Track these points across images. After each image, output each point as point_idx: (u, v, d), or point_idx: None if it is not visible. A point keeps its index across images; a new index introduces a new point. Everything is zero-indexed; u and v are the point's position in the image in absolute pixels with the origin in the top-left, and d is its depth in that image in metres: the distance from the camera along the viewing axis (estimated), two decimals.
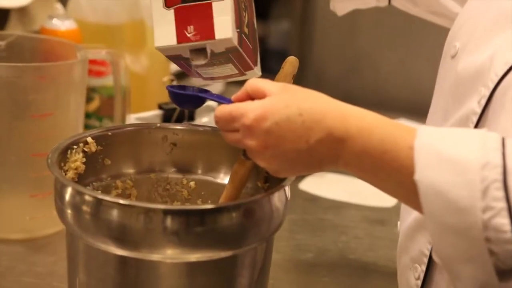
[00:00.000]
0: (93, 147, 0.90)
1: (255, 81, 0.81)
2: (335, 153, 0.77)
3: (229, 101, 0.82)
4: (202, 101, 0.87)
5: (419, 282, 0.89)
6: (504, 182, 0.70)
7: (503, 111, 0.79)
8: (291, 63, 0.89)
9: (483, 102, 0.81)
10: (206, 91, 0.87)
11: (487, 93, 0.80)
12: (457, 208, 0.71)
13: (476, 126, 0.81)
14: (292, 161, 0.78)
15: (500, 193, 0.70)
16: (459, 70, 0.86)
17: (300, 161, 0.78)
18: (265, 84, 0.80)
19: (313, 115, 0.77)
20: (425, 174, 0.72)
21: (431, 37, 1.75)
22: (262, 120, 0.77)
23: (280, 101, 0.78)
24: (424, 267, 0.89)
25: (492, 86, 0.80)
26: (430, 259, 0.88)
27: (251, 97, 0.81)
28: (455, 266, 0.73)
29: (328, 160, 0.78)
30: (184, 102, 0.89)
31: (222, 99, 0.84)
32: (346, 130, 0.76)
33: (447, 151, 0.72)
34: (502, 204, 0.70)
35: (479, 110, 0.81)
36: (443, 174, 0.72)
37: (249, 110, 0.78)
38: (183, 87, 0.89)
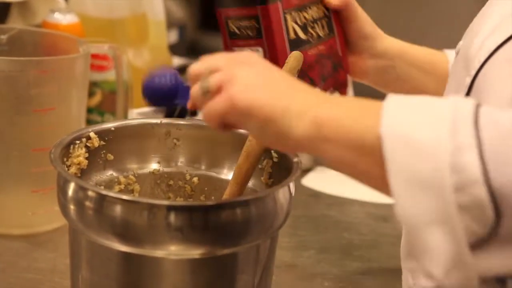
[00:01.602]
0: (96, 142, 0.89)
1: None
2: (311, 93, 0.72)
3: None
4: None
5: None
6: (475, 119, 0.64)
7: (482, 98, 0.77)
8: (295, 58, 0.88)
9: (466, 90, 0.80)
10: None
11: (469, 81, 0.80)
12: (422, 151, 0.63)
13: None
14: (260, 77, 0.73)
15: (470, 130, 0.63)
16: (457, 65, 0.86)
17: (270, 81, 0.73)
18: None
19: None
20: (389, 122, 0.65)
21: (433, 34, 1.76)
22: (240, 59, 0.75)
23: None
24: None
25: (474, 73, 0.79)
26: None
27: None
28: (422, 233, 0.64)
29: (300, 98, 0.71)
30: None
31: None
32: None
33: (415, 100, 0.67)
34: (471, 140, 0.63)
35: None
36: (408, 118, 0.65)
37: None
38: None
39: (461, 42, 0.88)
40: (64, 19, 1.37)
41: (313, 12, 0.96)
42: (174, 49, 1.66)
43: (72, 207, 0.79)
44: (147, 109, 1.30)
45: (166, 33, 1.55)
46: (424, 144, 0.64)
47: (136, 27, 1.48)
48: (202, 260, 0.78)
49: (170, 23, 1.66)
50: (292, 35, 0.94)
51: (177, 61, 1.67)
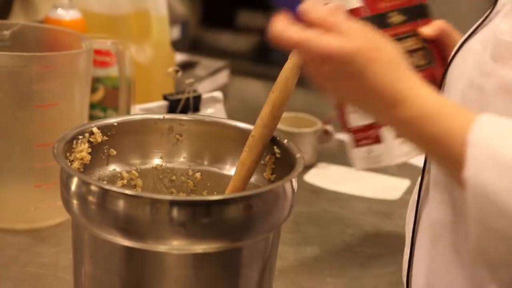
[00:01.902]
0: (98, 137, 0.89)
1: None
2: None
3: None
4: None
5: (407, 258, 0.90)
6: None
7: (447, 96, 0.79)
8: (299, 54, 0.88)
9: (439, 86, 0.82)
10: None
11: (441, 78, 0.82)
12: (506, 215, 0.68)
13: None
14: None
15: None
16: None
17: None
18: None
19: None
20: (477, 172, 0.69)
21: None
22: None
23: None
24: (408, 248, 0.89)
25: (444, 69, 0.82)
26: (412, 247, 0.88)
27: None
28: (498, 269, 0.71)
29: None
30: None
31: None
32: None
33: (502, 150, 0.69)
34: None
35: None
36: (496, 175, 0.68)
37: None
38: None
39: None
40: (67, 14, 1.37)
41: (409, 44, 0.99)
42: (177, 45, 1.65)
43: (75, 202, 0.79)
44: (149, 105, 1.31)
45: (169, 29, 1.55)
46: (508, 210, 0.67)
47: (139, 23, 1.48)
48: (204, 255, 0.78)
49: (173, 19, 1.66)
50: None
51: (179, 57, 1.67)
